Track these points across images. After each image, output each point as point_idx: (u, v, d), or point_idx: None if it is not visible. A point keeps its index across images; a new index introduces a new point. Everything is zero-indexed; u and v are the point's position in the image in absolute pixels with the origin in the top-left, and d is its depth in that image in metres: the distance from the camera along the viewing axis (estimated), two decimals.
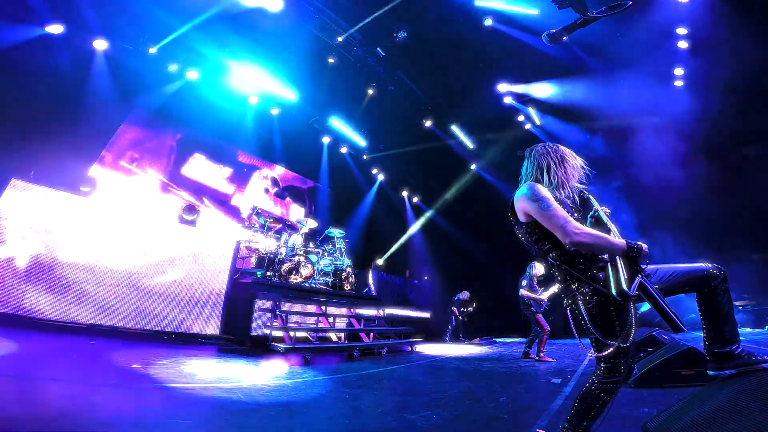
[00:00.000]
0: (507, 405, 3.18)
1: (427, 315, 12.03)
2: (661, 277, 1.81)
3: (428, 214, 14.86)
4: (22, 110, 6.42)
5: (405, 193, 14.88)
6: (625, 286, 1.59)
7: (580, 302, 1.74)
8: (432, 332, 11.45)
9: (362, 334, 6.89)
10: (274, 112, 10.71)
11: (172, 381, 3.21)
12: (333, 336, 6.67)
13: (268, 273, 7.18)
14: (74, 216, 5.09)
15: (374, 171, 13.83)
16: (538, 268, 6.47)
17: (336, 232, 8.93)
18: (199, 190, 9.55)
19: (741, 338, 1.83)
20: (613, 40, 8.05)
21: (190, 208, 7.25)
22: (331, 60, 9.29)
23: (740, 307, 9.28)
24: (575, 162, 1.97)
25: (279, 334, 5.48)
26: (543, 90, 10.20)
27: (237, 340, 5.91)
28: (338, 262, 8.47)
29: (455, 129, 12.07)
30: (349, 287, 8.14)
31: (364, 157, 13.19)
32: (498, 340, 11.41)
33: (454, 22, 8.34)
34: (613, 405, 1.75)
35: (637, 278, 1.64)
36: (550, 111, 10.84)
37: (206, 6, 7.36)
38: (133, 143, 8.55)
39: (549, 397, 3.45)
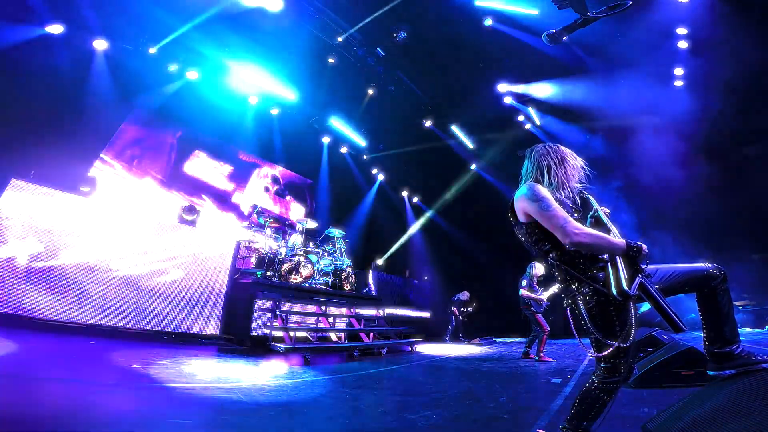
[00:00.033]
0: (507, 405, 3.18)
1: (427, 315, 12.03)
2: (661, 277, 1.82)
3: (428, 214, 14.87)
4: (22, 110, 6.42)
5: (405, 193, 14.88)
6: (625, 286, 1.59)
7: (580, 302, 1.74)
8: (432, 332, 11.45)
9: (362, 334, 6.89)
10: (274, 112, 10.71)
11: (172, 381, 3.21)
12: (333, 336, 6.67)
13: (268, 273, 7.18)
14: (74, 216, 5.09)
15: (374, 171, 13.83)
16: (538, 268, 6.47)
17: (336, 232, 8.93)
18: (200, 187, 9.55)
19: (741, 338, 1.83)
20: (613, 40, 8.05)
21: (190, 208, 7.24)
22: (331, 60, 9.30)
23: (740, 307, 9.28)
24: (575, 162, 1.97)
25: (279, 334, 5.48)
26: (543, 90, 10.20)
27: (237, 340, 5.92)
28: (338, 262, 8.48)
29: (455, 129, 12.07)
30: (349, 287, 8.14)
31: (364, 157, 13.19)
32: (498, 340, 11.42)
33: (454, 22, 8.34)
34: (613, 405, 1.75)
35: (638, 278, 1.64)
36: (550, 111, 10.84)
37: (206, 6, 7.36)
38: (133, 142, 8.56)
39: (549, 397, 3.45)
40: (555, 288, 6.23)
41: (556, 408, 2.98)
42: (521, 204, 1.83)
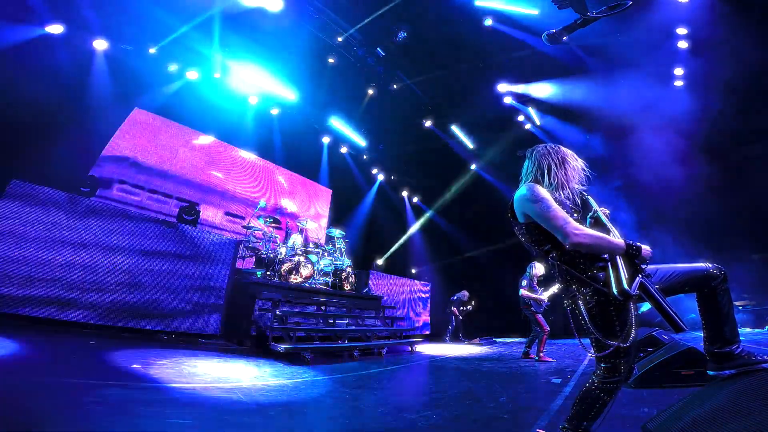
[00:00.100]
0: (507, 405, 3.18)
1: (427, 315, 12.03)
2: (661, 277, 1.82)
3: (428, 214, 14.87)
4: (22, 110, 6.41)
5: (405, 193, 14.89)
6: (626, 286, 1.59)
7: (580, 302, 1.75)
8: (432, 332, 11.46)
9: (362, 334, 6.89)
10: (274, 112, 10.70)
11: (172, 381, 3.21)
12: (333, 336, 6.67)
13: (268, 273, 7.18)
14: (74, 216, 5.09)
15: (374, 171, 13.84)
16: (538, 268, 6.47)
17: (336, 232, 8.94)
18: (200, 186, 9.54)
19: (741, 338, 1.83)
20: (613, 40, 8.05)
21: (190, 208, 7.25)
22: (331, 60, 9.30)
23: (740, 307, 9.28)
24: (576, 164, 1.97)
25: (279, 334, 5.48)
26: (543, 90, 10.20)
27: (237, 340, 5.92)
28: (338, 262, 8.48)
29: (455, 129, 12.07)
30: (349, 287, 8.14)
31: (364, 157, 13.20)
32: (498, 340, 11.42)
33: (454, 22, 8.35)
34: (614, 405, 1.75)
35: (638, 278, 1.64)
36: (550, 111, 10.84)
37: (206, 6, 7.37)
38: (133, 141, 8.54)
39: (549, 397, 3.45)
40: (555, 288, 6.23)
41: (556, 408, 2.98)
42: (521, 205, 1.83)
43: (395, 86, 10.44)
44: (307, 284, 7.35)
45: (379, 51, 9.32)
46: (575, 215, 1.84)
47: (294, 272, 7.24)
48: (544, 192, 1.80)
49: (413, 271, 13.57)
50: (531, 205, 1.77)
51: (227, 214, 9.96)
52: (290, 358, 5.00)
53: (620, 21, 7.07)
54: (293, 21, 7.99)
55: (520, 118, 11.39)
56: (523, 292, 6.48)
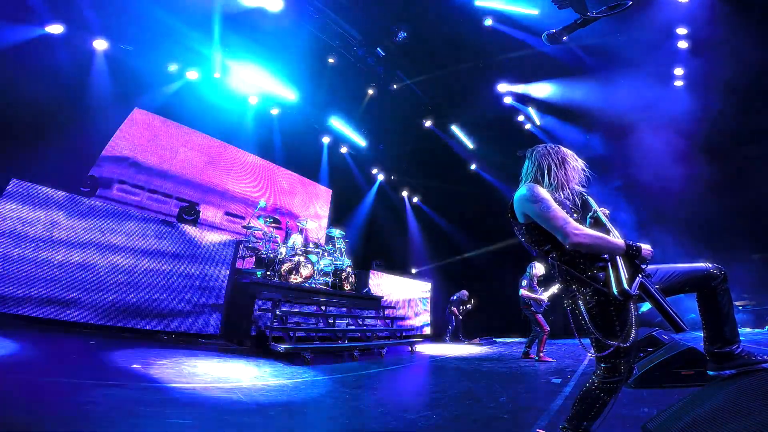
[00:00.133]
0: (507, 405, 3.18)
1: (427, 315, 12.03)
2: (661, 277, 1.82)
3: (428, 214, 14.87)
4: (22, 110, 6.41)
5: (405, 193, 14.89)
6: (626, 286, 1.59)
7: (580, 302, 1.75)
8: (432, 332, 11.46)
9: (362, 334, 6.89)
10: (274, 112, 10.70)
11: (172, 381, 3.21)
12: (333, 336, 6.67)
13: (268, 273, 7.18)
14: (74, 216, 5.09)
15: (374, 171, 13.84)
16: (538, 268, 6.47)
17: (336, 232, 8.94)
18: (200, 186, 9.53)
19: (741, 338, 1.83)
20: (613, 40, 8.05)
21: (190, 208, 7.25)
22: (331, 60, 9.29)
23: (740, 307, 9.29)
24: (576, 164, 1.97)
25: (279, 334, 5.48)
26: (543, 90, 10.20)
27: (237, 340, 5.92)
28: (338, 262, 8.48)
29: (455, 129, 12.07)
30: (349, 287, 8.14)
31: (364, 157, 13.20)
32: (498, 340, 11.42)
33: (454, 22, 8.35)
34: (614, 405, 1.75)
35: (638, 278, 1.64)
36: (550, 111, 10.84)
37: (206, 6, 7.36)
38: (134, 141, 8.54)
39: (549, 397, 3.45)
40: (555, 288, 6.23)
41: (556, 408, 2.99)
42: (521, 205, 1.83)
43: (395, 86, 10.44)
44: (307, 284, 7.35)
45: (379, 51, 9.31)
46: (575, 215, 1.84)
47: (294, 272, 7.24)
48: (544, 192, 1.80)
49: (413, 271, 13.57)
50: (531, 205, 1.77)
51: (227, 214, 9.96)
52: (290, 358, 5.00)
53: (620, 21, 7.07)
54: (293, 21, 7.99)
55: (520, 118, 11.39)
56: (523, 292, 6.48)
